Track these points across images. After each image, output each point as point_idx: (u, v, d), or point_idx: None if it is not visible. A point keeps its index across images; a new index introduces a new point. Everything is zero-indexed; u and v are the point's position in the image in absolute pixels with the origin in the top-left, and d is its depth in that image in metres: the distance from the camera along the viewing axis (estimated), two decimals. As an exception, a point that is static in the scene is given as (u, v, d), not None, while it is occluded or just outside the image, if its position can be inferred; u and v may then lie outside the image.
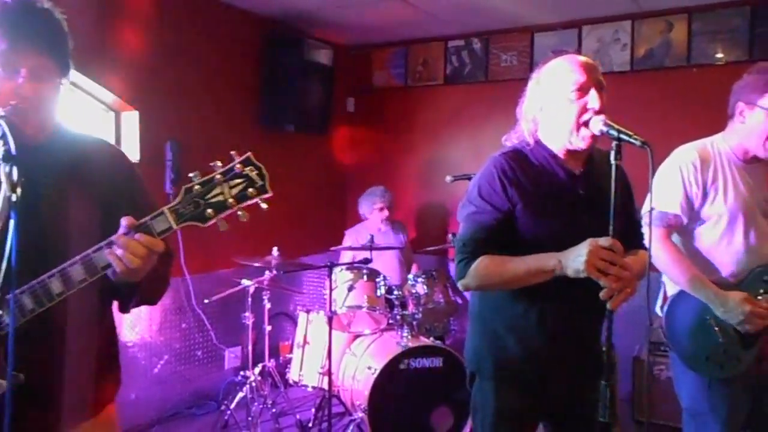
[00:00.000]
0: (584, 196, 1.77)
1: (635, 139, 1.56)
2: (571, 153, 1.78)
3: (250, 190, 1.39)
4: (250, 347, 3.79)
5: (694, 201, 2.21)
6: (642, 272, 1.65)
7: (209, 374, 4.27)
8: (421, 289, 3.70)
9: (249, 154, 1.44)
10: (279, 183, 5.09)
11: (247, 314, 3.75)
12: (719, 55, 4.11)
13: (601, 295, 1.53)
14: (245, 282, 3.68)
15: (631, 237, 1.81)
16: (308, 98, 4.67)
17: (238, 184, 1.39)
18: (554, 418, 1.92)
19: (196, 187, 1.37)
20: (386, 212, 4.41)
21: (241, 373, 3.76)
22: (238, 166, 1.40)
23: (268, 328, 3.86)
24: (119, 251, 1.32)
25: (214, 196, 1.38)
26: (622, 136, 1.57)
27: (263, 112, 4.56)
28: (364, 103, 5.48)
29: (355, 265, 3.74)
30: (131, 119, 3.77)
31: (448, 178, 3.82)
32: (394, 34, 5.06)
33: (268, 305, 3.85)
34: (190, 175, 1.39)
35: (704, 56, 4.15)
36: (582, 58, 1.76)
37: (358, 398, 3.46)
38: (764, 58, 3.93)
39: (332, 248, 4.09)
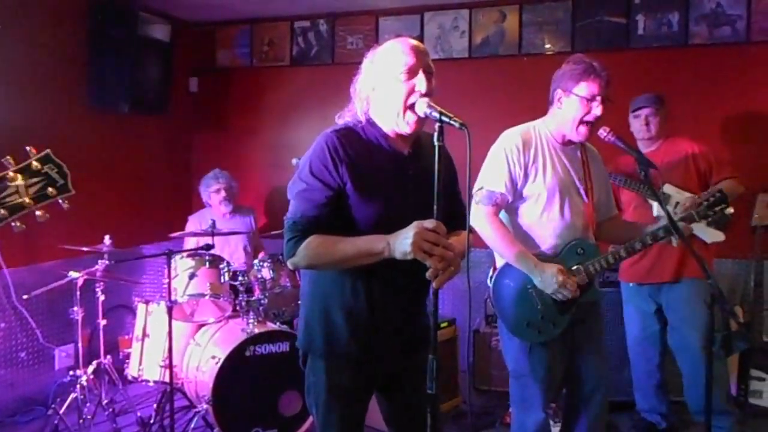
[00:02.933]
0: (411, 177, 1.81)
1: (455, 121, 1.61)
2: (399, 134, 1.81)
3: (50, 189, 1.34)
4: (80, 344, 3.50)
5: (517, 180, 2.37)
6: (463, 251, 1.73)
7: (37, 377, 3.90)
8: (267, 273, 3.63)
9: (48, 151, 1.36)
10: (112, 166, 4.80)
11: (75, 309, 3.45)
12: (547, 46, 4.41)
13: (427, 274, 1.58)
14: (73, 274, 3.39)
15: (454, 217, 1.88)
16: (144, 76, 4.38)
17: (36, 183, 1.32)
18: (385, 392, 1.97)
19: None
20: (224, 193, 4.25)
21: (71, 372, 3.47)
22: (35, 163, 1.31)
23: (103, 322, 3.59)
24: None
25: (8, 196, 1.29)
26: (444, 118, 1.62)
27: (91, 91, 4.20)
28: (208, 83, 5.24)
29: (198, 252, 3.58)
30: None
31: (294, 161, 3.76)
32: (237, 11, 4.88)
33: (102, 297, 3.57)
34: None
35: (533, 46, 4.44)
36: (413, 42, 1.79)
37: (203, 389, 3.33)
38: (585, 48, 4.29)
39: (172, 235, 3.88)
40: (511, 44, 4.48)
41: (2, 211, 1.28)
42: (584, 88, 2.31)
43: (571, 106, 2.35)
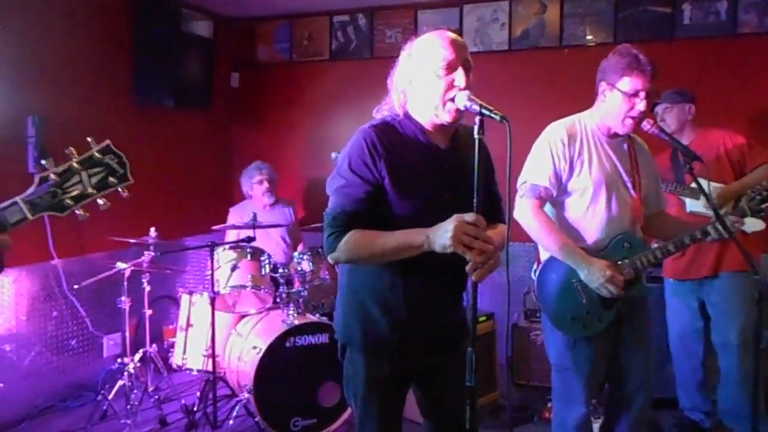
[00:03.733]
0: (449, 171, 1.81)
1: (495, 114, 1.61)
2: (437, 127, 1.81)
3: (111, 179, 1.42)
4: (128, 333, 3.62)
5: (562, 174, 2.34)
6: (502, 244, 1.73)
7: (86, 364, 4.04)
8: (306, 266, 3.68)
9: (108, 142, 1.44)
10: (157, 160, 4.90)
11: (123, 299, 3.57)
12: (589, 37, 4.34)
13: (467, 268, 1.58)
14: (120, 265, 3.50)
15: (492, 210, 1.88)
16: (188, 72, 4.48)
17: (98, 172, 1.41)
18: (423, 384, 1.98)
19: (52, 176, 1.36)
20: (267, 185, 4.31)
21: (120, 360, 3.59)
22: (96, 154, 1.40)
23: (149, 312, 3.70)
24: None
25: (73, 185, 1.37)
26: (484, 111, 1.62)
27: (137, 87, 4.31)
28: (249, 78, 5.32)
29: (239, 244, 3.66)
30: (-16, 92, 3.45)
31: (334, 155, 3.79)
32: (278, 6, 4.94)
33: (147, 288, 3.68)
34: (43, 162, 1.37)
35: (575, 37, 4.37)
36: (452, 35, 1.78)
37: (244, 379, 3.40)
38: (627, 39, 4.20)
39: (214, 227, 3.97)
40: (552, 36, 4.42)
41: (68, 201, 1.35)
42: (627, 83, 2.26)
43: (615, 100, 2.30)
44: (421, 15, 4.74)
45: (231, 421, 3.36)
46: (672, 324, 3.43)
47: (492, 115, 1.61)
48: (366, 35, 4.89)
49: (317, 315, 3.65)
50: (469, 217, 1.58)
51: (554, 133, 2.38)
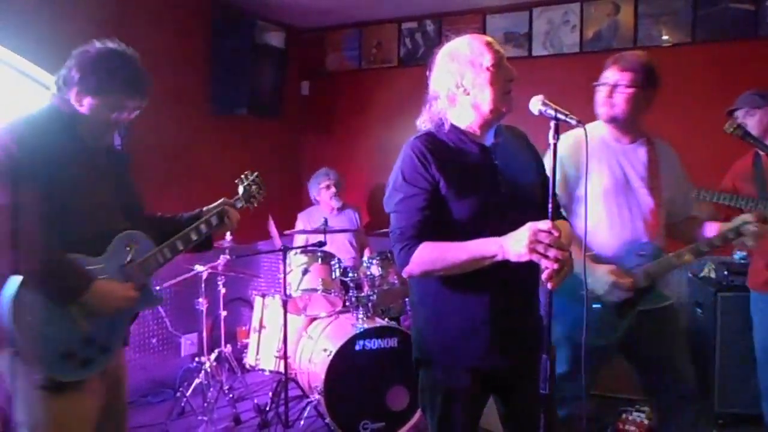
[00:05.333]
0: (499, 167, 1.82)
1: (571, 118, 1.60)
2: (483, 127, 1.83)
3: (258, 194, 2.47)
4: (205, 333, 3.76)
5: (571, 182, 2.35)
6: (570, 242, 1.71)
7: (166, 362, 4.22)
8: (375, 270, 3.72)
9: (256, 173, 2.56)
10: (231, 166, 5.04)
11: (200, 300, 3.71)
12: (665, 37, 4.20)
13: (543, 276, 1.58)
14: (198, 267, 3.64)
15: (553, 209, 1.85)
16: (260, 82, 4.61)
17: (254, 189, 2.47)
18: (501, 393, 1.97)
19: (240, 189, 2.41)
20: (334, 189, 4.40)
21: (197, 359, 3.74)
22: (252, 180, 2.49)
23: (224, 313, 3.84)
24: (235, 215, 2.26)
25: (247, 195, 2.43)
26: (559, 116, 1.61)
27: (214, 96, 4.49)
28: (318, 86, 5.43)
29: (310, 248, 3.74)
30: (74, 103, 3.66)
31: (401, 161, 3.82)
32: (347, 15, 5.03)
33: (222, 290, 3.82)
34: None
35: (650, 38, 4.24)
36: (488, 38, 1.84)
37: (315, 381, 3.47)
38: (706, 39, 4.06)
39: (286, 232, 4.07)
40: (626, 37, 4.31)
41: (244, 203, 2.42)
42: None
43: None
44: (489, 19, 4.72)
45: (302, 422, 3.44)
46: (758, 337, 3.27)
47: (568, 119, 1.60)
48: (434, 41, 4.90)
49: (386, 319, 3.68)
50: (544, 224, 1.58)
51: (561, 142, 2.38)
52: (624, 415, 3.52)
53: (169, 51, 4.20)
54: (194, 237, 2.10)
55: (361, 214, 4.68)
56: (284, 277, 3.52)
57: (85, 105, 1.87)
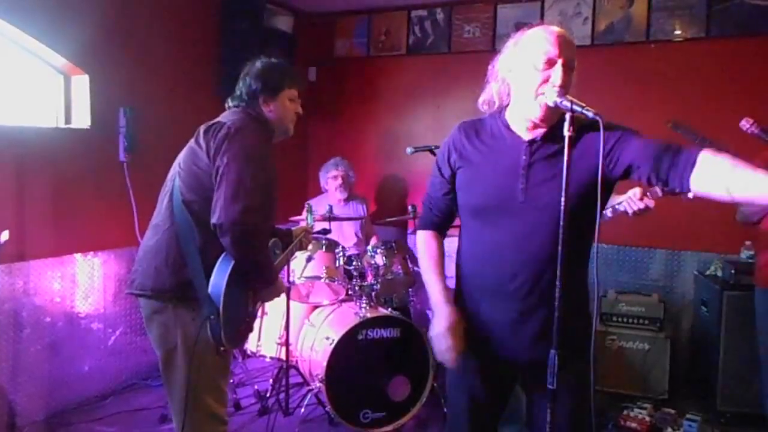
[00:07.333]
0: (530, 166, 1.75)
1: (587, 111, 1.56)
2: (530, 121, 1.75)
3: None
4: (207, 318, 3.74)
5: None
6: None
7: (166, 345, 4.21)
8: (380, 260, 3.70)
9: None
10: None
11: (203, 285, 3.69)
12: (678, 32, 4.15)
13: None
14: (202, 252, 3.62)
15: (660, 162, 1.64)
16: (268, 66, 4.57)
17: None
18: (523, 387, 1.98)
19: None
20: (340, 180, 4.38)
21: (198, 343, 3.72)
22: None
23: (226, 298, 3.81)
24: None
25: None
26: (575, 108, 1.57)
27: (222, 80, 4.44)
28: (326, 73, 5.39)
29: (314, 235, 3.71)
30: (81, 83, 3.63)
31: (409, 150, 3.79)
32: (356, 1, 4.98)
33: (225, 276, 3.79)
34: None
35: (663, 32, 4.19)
36: (560, 32, 1.72)
37: (316, 368, 3.46)
38: (721, 34, 4.00)
39: (291, 218, 4.05)
40: (638, 30, 4.26)
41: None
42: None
43: None
44: (500, 9, 4.66)
45: (302, 409, 3.43)
46: (761, 336, 3.24)
47: (584, 111, 1.56)
48: (444, 30, 4.86)
49: (389, 309, 3.66)
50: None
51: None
52: (626, 411, 3.52)
53: (178, 34, 4.16)
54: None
55: (368, 204, 4.65)
56: (288, 264, 3.50)
57: (272, 108, 2.25)
